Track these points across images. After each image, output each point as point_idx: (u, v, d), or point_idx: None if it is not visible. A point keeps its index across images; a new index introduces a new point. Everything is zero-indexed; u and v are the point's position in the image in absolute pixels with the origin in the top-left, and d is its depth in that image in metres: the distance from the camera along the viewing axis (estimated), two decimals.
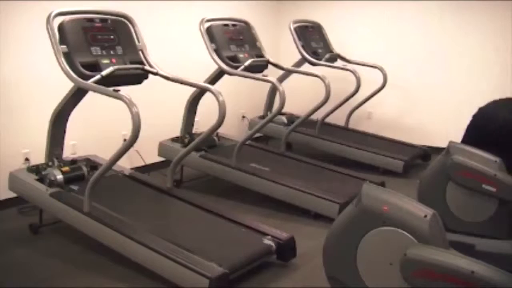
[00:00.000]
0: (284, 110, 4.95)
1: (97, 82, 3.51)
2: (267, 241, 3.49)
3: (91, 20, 3.79)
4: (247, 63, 5.00)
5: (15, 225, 4.23)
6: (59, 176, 3.99)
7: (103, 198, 3.79)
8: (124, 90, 3.45)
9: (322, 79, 5.32)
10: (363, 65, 6.45)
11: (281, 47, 7.53)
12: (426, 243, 2.49)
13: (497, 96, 6.13)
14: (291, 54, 6.32)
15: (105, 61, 3.67)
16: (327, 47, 6.55)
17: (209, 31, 4.98)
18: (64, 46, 3.57)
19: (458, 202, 3.91)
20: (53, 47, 3.55)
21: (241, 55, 5.09)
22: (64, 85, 3.85)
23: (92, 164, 4.34)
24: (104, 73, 3.56)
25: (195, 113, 5.37)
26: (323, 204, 4.35)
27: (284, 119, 6.25)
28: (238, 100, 6.71)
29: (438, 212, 2.67)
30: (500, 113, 4.07)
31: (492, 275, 2.29)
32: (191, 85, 4.19)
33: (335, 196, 4.38)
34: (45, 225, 4.08)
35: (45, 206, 3.92)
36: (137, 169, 5.18)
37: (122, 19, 4.01)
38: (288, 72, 6.09)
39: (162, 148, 5.25)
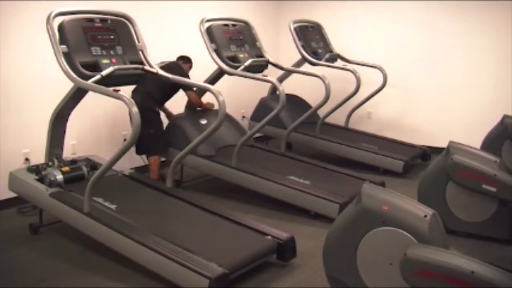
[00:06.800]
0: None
1: (97, 82, 3.51)
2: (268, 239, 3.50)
3: (91, 20, 3.79)
4: (247, 63, 5.00)
5: (15, 225, 4.23)
6: (59, 176, 3.99)
7: (103, 198, 3.79)
8: (124, 90, 3.45)
9: (322, 79, 5.32)
10: (363, 65, 6.46)
11: (281, 47, 7.54)
12: (426, 243, 2.49)
13: (496, 96, 6.15)
14: (291, 54, 6.33)
15: (105, 61, 3.67)
16: (327, 47, 6.55)
17: (209, 31, 4.98)
18: (64, 46, 3.57)
19: (458, 202, 3.91)
20: (53, 47, 3.55)
21: (241, 55, 5.09)
22: (64, 85, 3.85)
23: (92, 164, 4.33)
24: (104, 73, 3.55)
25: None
26: (323, 204, 4.35)
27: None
28: (238, 100, 6.71)
29: (438, 212, 2.68)
30: None
31: (492, 275, 2.29)
32: (191, 85, 4.19)
33: (335, 196, 4.38)
34: (45, 225, 4.08)
35: (45, 206, 3.92)
36: (137, 169, 5.17)
37: (122, 19, 4.01)
38: (288, 72, 6.10)
39: None
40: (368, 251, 2.68)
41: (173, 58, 5.13)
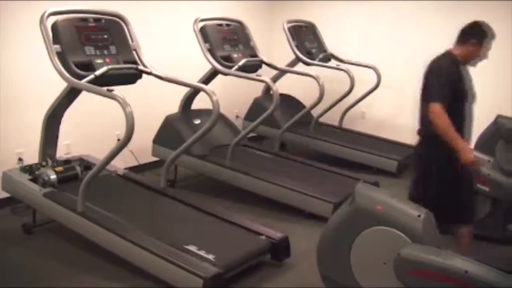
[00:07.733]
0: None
1: (91, 81, 3.50)
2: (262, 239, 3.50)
3: (84, 19, 3.78)
4: (241, 63, 5.00)
5: (8, 225, 4.21)
6: (53, 176, 3.97)
7: (97, 198, 3.78)
8: (118, 90, 3.44)
9: (316, 79, 5.33)
10: (357, 65, 6.46)
11: (274, 46, 7.53)
12: (420, 242, 2.50)
13: (490, 96, 6.14)
14: (285, 54, 6.33)
15: (99, 60, 3.66)
16: (321, 47, 6.56)
17: (203, 30, 4.97)
18: (57, 46, 3.56)
19: None
20: (46, 47, 3.54)
21: (235, 55, 5.08)
22: (58, 85, 3.83)
23: (86, 164, 4.32)
24: (97, 72, 3.54)
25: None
26: (317, 204, 4.36)
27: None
28: (232, 100, 6.71)
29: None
30: None
31: (485, 274, 2.30)
32: (185, 84, 4.19)
33: (329, 195, 4.38)
34: (38, 225, 4.06)
35: (39, 206, 3.91)
36: (131, 169, 5.16)
37: (116, 18, 4.00)
38: (282, 72, 6.11)
39: (156, 148, 5.24)
40: (362, 250, 2.69)
41: (166, 57, 5.11)
